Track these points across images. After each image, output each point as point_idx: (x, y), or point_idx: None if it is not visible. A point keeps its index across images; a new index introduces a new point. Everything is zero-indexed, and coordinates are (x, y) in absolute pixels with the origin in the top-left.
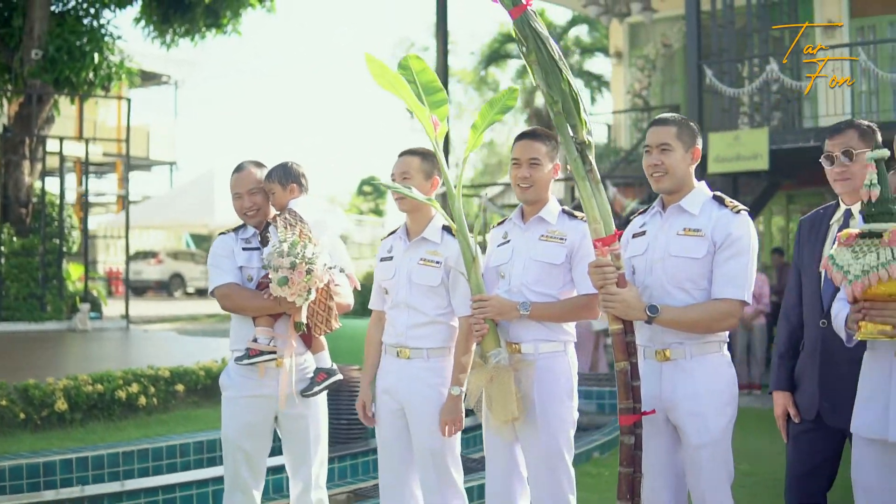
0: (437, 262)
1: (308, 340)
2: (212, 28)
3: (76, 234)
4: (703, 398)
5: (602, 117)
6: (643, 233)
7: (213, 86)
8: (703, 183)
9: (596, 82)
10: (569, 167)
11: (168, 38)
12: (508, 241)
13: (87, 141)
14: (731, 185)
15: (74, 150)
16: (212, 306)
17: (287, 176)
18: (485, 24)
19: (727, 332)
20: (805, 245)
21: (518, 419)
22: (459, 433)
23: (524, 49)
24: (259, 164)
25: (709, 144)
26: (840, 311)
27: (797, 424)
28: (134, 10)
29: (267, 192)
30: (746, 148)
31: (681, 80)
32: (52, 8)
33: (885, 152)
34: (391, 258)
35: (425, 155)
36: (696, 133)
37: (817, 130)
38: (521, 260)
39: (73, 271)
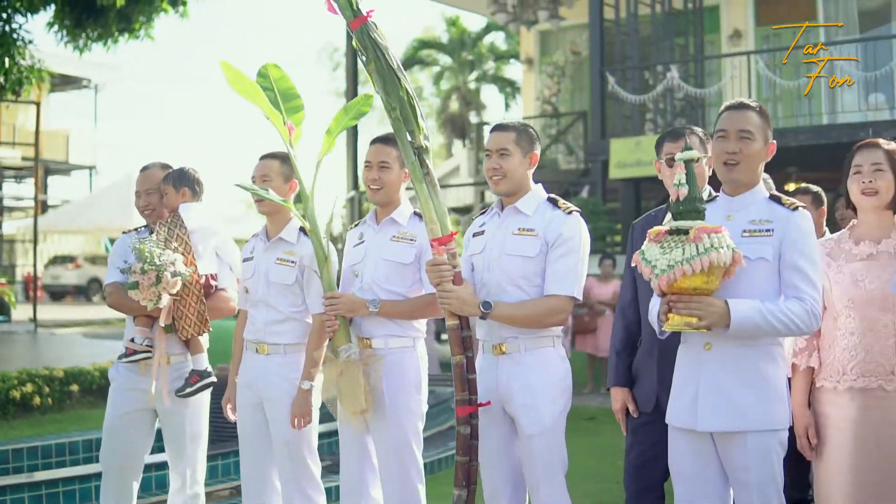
0: (293, 262)
1: (186, 342)
2: (124, 33)
3: None
4: (536, 390)
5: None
6: (482, 232)
7: (134, 90)
8: (539, 186)
9: (510, 88)
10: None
11: (81, 42)
12: (363, 242)
13: None
14: (633, 191)
15: None
16: None
17: (181, 180)
18: (410, 28)
19: (561, 328)
20: (637, 246)
21: (367, 411)
22: (316, 426)
23: (364, 58)
24: (166, 167)
25: (610, 150)
26: (654, 304)
27: (636, 418)
28: (47, 14)
29: (162, 194)
30: (647, 154)
31: (588, 86)
32: None
33: (695, 153)
34: (252, 258)
35: (284, 158)
36: (535, 139)
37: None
38: (372, 259)
39: None
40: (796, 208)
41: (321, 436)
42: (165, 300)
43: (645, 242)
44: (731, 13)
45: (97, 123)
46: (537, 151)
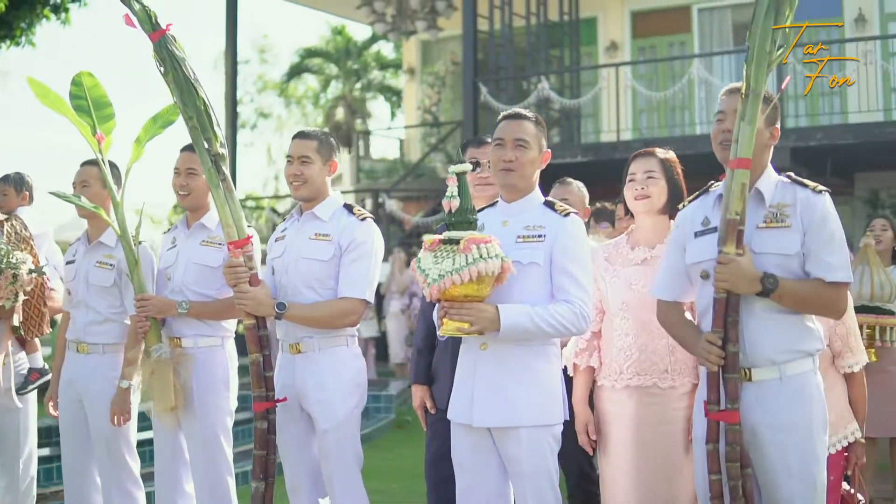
0: (111, 265)
1: (22, 342)
2: (6, 39)
3: None
4: (329, 387)
5: (396, 132)
6: (283, 237)
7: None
8: (337, 192)
9: (396, 97)
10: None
11: None
12: (175, 246)
13: None
14: None
15: None
16: None
17: (22, 184)
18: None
19: (356, 328)
20: None
21: (177, 408)
22: (135, 423)
23: (162, 69)
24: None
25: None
26: (438, 308)
27: (434, 414)
28: None
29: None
30: None
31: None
32: None
33: (467, 166)
34: (73, 262)
35: (112, 167)
36: (335, 148)
37: (587, 147)
38: (183, 263)
39: None
40: (567, 214)
41: None
42: (20, 299)
43: (421, 251)
44: (608, 25)
45: None
46: (337, 159)
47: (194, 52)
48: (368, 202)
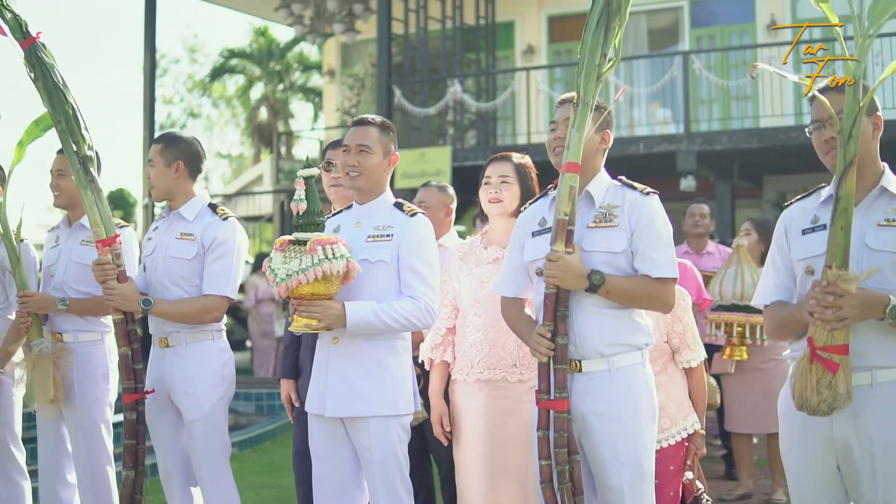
0: None
1: None
2: None
3: None
4: (195, 379)
5: (318, 133)
6: (154, 236)
7: None
8: (205, 193)
9: (318, 99)
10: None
11: None
12: (57, 245)
13: None
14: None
15: None
16: None
17: None
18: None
19: (222, 322)
20: None
21: (57, 400)
22: (18, 414)
23: (32, 75)
24: None
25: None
26: (289, 306)
27: (299, 407)
28: None
29: None
30: (431, 165)
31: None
32: None
33: (314, 171)
34: None
35: None
36: (182, 148)
37: (500, 149)
38: (64, 261)
39: None
40: (414, 214)
41: None
42: None
43: (273, 251)
44: (525, 30)
45: None
46: (182, 161)
47: (122, 51)
48: (287, 203)
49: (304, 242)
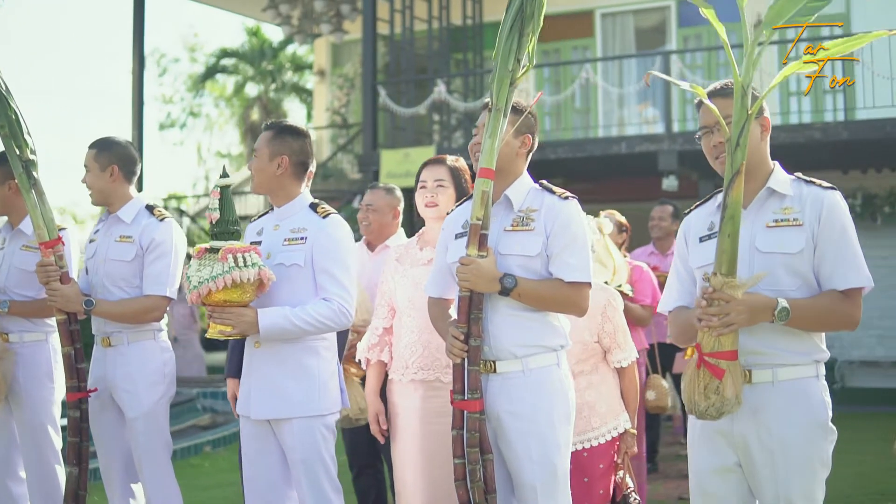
0: None
1: None
2: None
3: None
4: (135, 378)
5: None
6: (94, 240)
7: None
8: (141, 195)
9: (311, 98)
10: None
11: None
12: (2, 249)
13: None
14: (407, 200)
15: None
16: None
17: None
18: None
19: (162, 322)
20: None
21: (1, 398)
22: None
23: None
24: None
25: (381, 161)
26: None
27: None
28: None
29: None
30: (415, 165)
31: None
32: None
33: (229, 180)
34: None
35: None
36: (115, 154)
37: None
38: (5, 267)
39: None
40: (327, 215)
41: None
42: None
43: (192, 259)
44: None
45: None
46: (116, 165)
47: (120, 50)
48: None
49: (218, 251)
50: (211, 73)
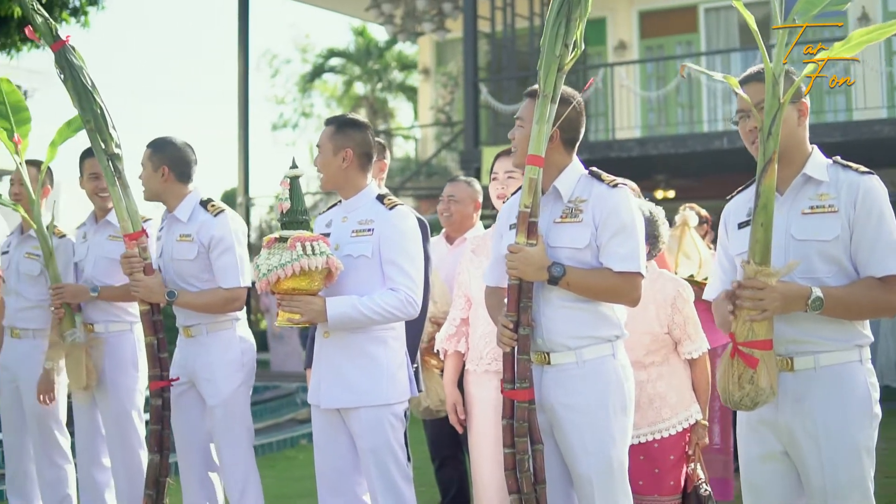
0: (38, 256)
1: None
2: (27, 42)
3: None
4: (215, 366)
5: (414, 131)
6: (160, 238)
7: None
8: (197, 191)
9: (417, 96)
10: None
11: None
12: (86, 240)
13: None
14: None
15: None
16: None
17: None
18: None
19: (241, 312)
20: None
21: (90, 387)
22: (63, 401)
23: (62, 76)
24: None
25: (482, 158)
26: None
27: None
28: None
29: None
30: None
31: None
32: None
33: (299, 171)
34: (7, 252)
35: (38, 165)
36: (165, 155)
37: (594, 144)
38: (92, 257)
39: None
40: (394, 207)
41: None
42: None
43: (262, 248)
44: (617, 26)
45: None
46: (167, 166)
47: (230, 52)
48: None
49: (286, 240)
50: (318, 73)
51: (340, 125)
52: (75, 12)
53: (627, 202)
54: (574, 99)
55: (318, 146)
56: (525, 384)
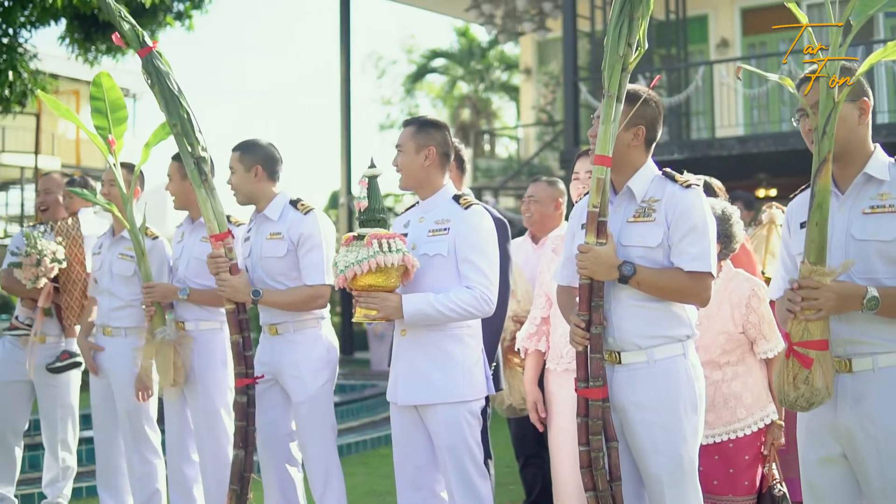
0: (131, 257)
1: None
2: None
3: None
4: (301, 364)
5: (516, 130)
6: (248, 238)
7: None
8: (285, 191)
9: (519, 96)
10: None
11: (91, 56)
12: (181, 241)
13: None
14: None
15: (31, 162)
16: None
17: (84, 187)
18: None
19: (325, 310)
20: None
21: (178, 384)
22: (155, 399)
23: (150, 81)
24: (65, 175)
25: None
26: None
27: None
28: (59, 29)
29: (61, 196)
30: None
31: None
32: None
33: (377, 171)
34: (99, 253)
35: (130, 168)
36: (259, 155)
37: (695, 143)
38: (186, 257)
39: None
40: (469, 206)
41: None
42: (42, 282)
43: (341, 246)
44: (719, 23)
45: (135, 130)
46: (259, 165)
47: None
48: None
49: (364, 237)
50: (422, 73)
51: (422, 125)
52: (179, 16)
53: (700, 203)
54: (654, 99)
55: (397, 146)
56: (599, 382)
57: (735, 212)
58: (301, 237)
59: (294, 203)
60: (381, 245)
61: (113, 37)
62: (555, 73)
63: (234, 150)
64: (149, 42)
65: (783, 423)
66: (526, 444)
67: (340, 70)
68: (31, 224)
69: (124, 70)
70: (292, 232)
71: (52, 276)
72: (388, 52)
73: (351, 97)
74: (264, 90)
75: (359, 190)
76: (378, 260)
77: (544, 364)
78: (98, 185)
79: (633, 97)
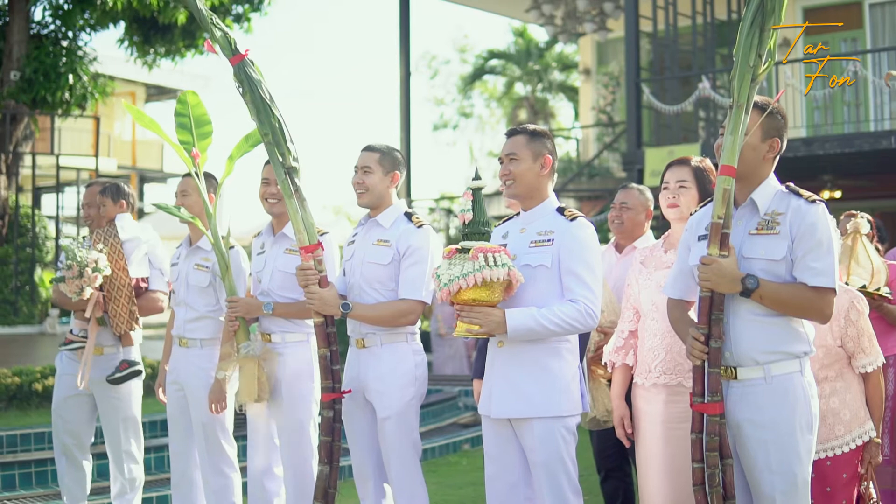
0: (208, 267)
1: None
2: (190, 48)
3: (50, 244)
4: (387, 378)
5: (576, 132)
6: (353, 242)
7: (223, 100)
8: (402, 202)
9: (577, 97)
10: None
11: (150, 58)
12: (263, 252)
13: (57, 156)
14: None
15: (89, 164)
16: None
17: (118, 193)
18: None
19: (416, 325)
20: None
21: (262, 399)
22: (231, 411)
23: (241, 90)
24: (102, 184)
25: (645, 159)
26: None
27: None
28: (117, 31)
29: (99, 206)
30: None
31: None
32: (31, 31)
33: (481, 183)
34: (177, 264)
35: (208, 177)
36: (399, 161)
37: None
38: (269, 269)
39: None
40: (574, 218)
41: None
42: (88, 292)
43: (442, 259)
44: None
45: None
46: (399, 171)
47: (389, 54)
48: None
49: (468, 250)
50: (479, 74)
51: (533, 134)
52: (238, 18)
53: (825, 218)
54: (781, 112)
55: (508, 156)
56: (717, 397)
57: (851, 222)
58: (409, 249)
59: (408, 216)
60: (486, 259)
61: (205, 44)
62: (614, 73)
63: (373, 150)
64: (240, 50)
65: (880, 441)
66: (608, 457)
67: (400, 71)
68: (71, 238)
69: (178, 73)
70: (401, 242)
71: (96, 285)
72: (441, 52)
73: (410, 98)
74: (323, 91)
75: (463, 202)
76: (484, 274)
77: (631, 379)
78: (127, 188)
79: (762, 108)
